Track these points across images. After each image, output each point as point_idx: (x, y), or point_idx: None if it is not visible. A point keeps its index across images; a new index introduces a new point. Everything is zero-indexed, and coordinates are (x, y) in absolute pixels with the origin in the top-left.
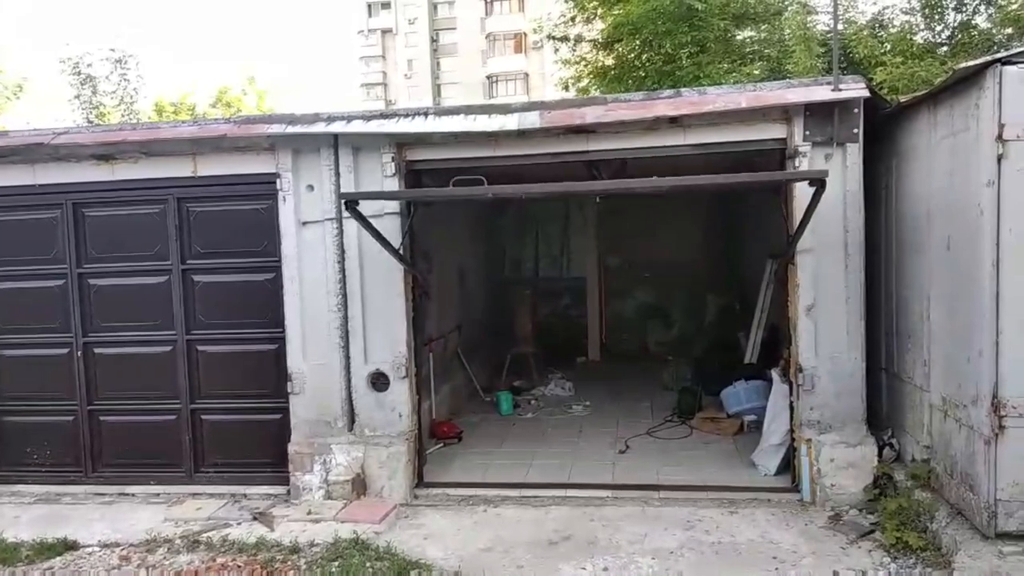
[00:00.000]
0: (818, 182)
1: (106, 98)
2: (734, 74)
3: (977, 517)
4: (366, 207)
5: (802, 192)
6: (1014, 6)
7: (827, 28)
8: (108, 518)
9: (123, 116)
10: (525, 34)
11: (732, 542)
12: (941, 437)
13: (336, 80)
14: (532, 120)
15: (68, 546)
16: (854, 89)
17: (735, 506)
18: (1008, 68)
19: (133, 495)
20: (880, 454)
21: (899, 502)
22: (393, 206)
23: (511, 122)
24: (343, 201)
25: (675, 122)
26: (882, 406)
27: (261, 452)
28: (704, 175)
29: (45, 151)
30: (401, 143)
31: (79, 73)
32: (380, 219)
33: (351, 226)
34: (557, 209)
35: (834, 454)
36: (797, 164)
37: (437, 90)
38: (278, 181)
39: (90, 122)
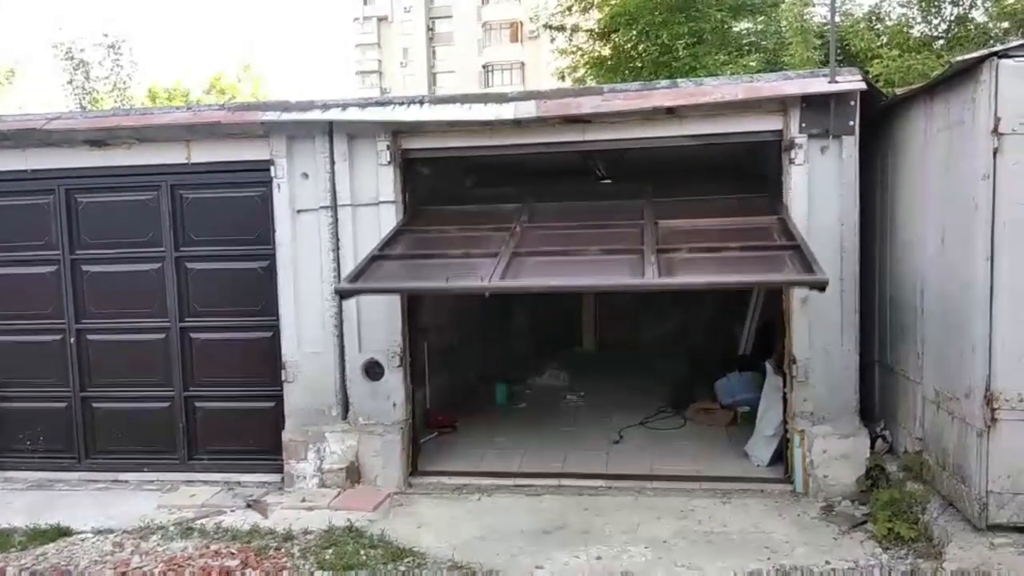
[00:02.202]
0: (818, 288)
1: (99, 84)
2: (731, 65)
3: (969, 509)
4: (360, 196)
5: (799, 190)
6: (1010, 0)
7: (824, 20)
8: (101, 505)
9: (116, 102)
10: (521, 23)
11: (725, 532)
12: (933, 429)
13: (331, 68)
14: (528, 109)
15: (61, 532)
16: (851, 81)
17: (728, 496)
18: (1005, 62)
19: (127, 482)
20: (873, 446)
21: (891, 493)
22: (389, 195)
23: (507, 111)
24: (338, 292)
25: (672, 113)
26: (875, 398)
27: (255, 440)
28: (702, 276)
29: (37, 136)
30: (397, 131)
31: (72, 58)
32: (375, 208)
33: (346, 214)
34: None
35: (827, 445)
36: (793, 156)
37: (432, 79)
38: (272, 168)
39: (83, 107)
